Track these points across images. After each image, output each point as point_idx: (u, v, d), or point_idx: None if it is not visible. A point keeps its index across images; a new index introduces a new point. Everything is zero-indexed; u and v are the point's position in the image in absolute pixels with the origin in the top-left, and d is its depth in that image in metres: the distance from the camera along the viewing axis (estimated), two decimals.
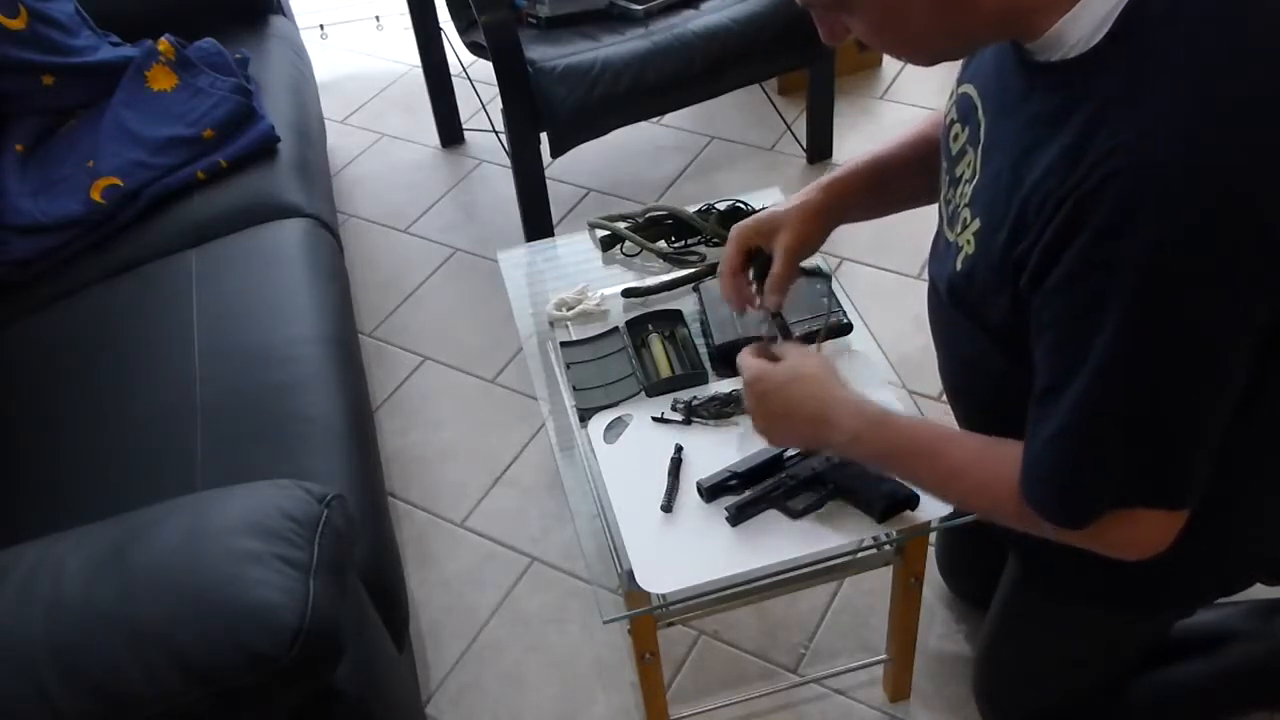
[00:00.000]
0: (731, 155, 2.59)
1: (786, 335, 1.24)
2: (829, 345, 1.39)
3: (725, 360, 1.36)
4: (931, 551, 1.62)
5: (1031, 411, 0.97)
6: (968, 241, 1.03)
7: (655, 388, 1.34)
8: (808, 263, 1.35)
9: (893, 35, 0.93)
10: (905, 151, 1.27)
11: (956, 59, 1.04)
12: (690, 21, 2.14)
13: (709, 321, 1.40)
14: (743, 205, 1.55)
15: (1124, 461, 0.93)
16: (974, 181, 1.03)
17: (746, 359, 1.19)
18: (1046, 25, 0.88)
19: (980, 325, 1.06)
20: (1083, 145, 0.85)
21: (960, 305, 1.07)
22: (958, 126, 1.08)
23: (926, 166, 1.22)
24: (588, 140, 2.14)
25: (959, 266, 1.05)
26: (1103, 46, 0.85)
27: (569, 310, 1.48)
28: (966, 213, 1.04)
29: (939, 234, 1.15)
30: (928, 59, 0.97)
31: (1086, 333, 0.87)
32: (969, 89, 1.07)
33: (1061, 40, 0.88)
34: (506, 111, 2.09)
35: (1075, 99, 0.87)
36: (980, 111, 1.03)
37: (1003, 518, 1.06)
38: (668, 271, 1.52)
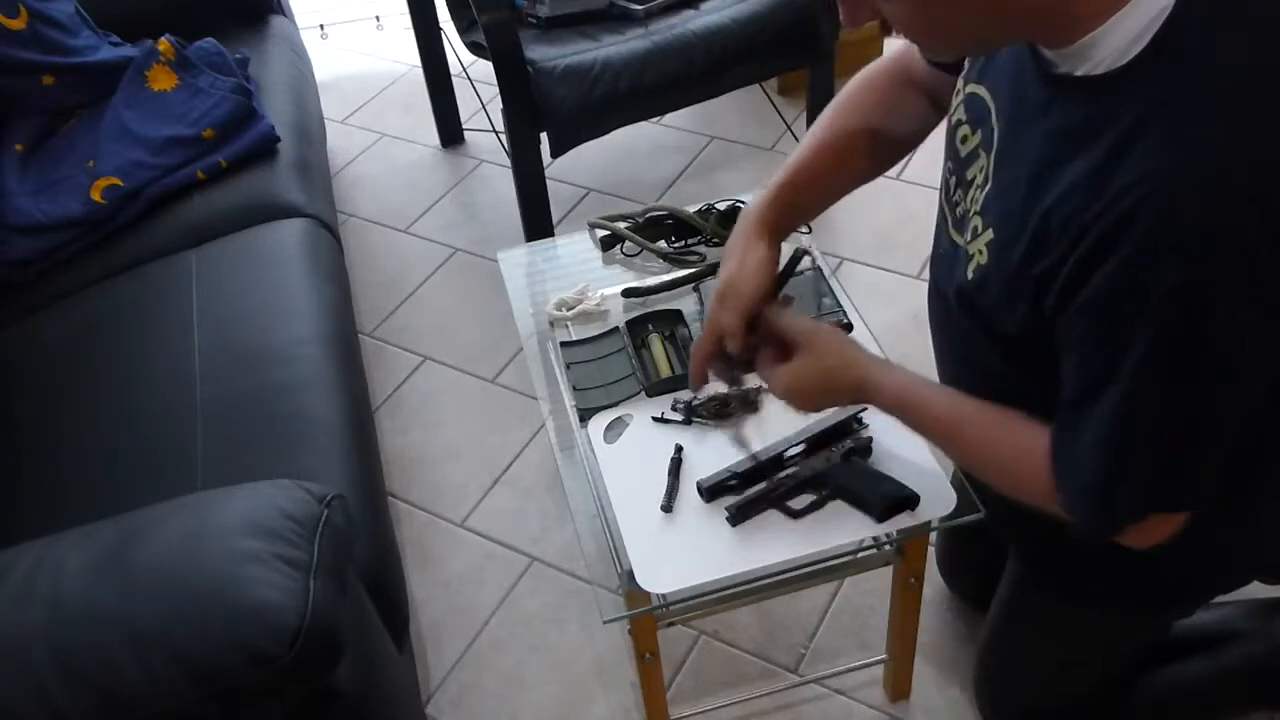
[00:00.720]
0: (731, 155, 2.59)
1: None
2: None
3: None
4: (931, 551, 1.62)
5: (1060, 421, 0.96)
6: (979, 251, 1.02)
7: (655, 388, 1.34)
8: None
9: (927, 23, 0.90)
10: (832, 146, 1.25)
11: (981, 55, 1.03)
12: (690, 21, 2.14)
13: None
14: (743, 205, 1.55)
15: (1152, 474, 0.93)
16: (986, 189, 1.02)
17: (792, 319, 1.16)
18: (1081, 34, 0.85)
19: (986, 331, 1.05)
20: (1111, 167, 0.83)
21: (969, 312, 1.06)
22: (966, 128, 1.07)
23: (859, 150, 1.22)
24: (588, 140, 2.14)
25: (970, 275, 1.04)
26: (1134, 65, 0.84)
27: (569, 310, 1.48)
28: (978, 221, 1.03)
29: (942, 234, 1.14)
30: (953, 52, 0.94)
31: (1116, 352, 0.87)
32: (979, 90, 1.05)
33: (1089, 53, 0.86)
34: (506, 111, 2.09)
35: (1102, 117, 0.85)
36: (994, 116, 1.02)
37: (1029, 495, 1.06)
38: (668, 271, 1.52)
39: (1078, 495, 0.97)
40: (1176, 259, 0.81)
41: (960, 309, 1.08)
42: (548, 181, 2.23)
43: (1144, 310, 0.84)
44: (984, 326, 1.05)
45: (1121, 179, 0.82)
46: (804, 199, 1.25)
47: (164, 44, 1.99)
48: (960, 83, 1.10)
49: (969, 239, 1.04)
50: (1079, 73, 0.88)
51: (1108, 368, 0.88)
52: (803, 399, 1.16)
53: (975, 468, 1.11)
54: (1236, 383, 0.88)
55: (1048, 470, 0.99)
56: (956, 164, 1.10)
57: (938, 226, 1.17)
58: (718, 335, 1.18)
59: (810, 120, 2.48)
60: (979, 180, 1.04)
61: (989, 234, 1.00)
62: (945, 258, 1.13)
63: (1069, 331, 0.92)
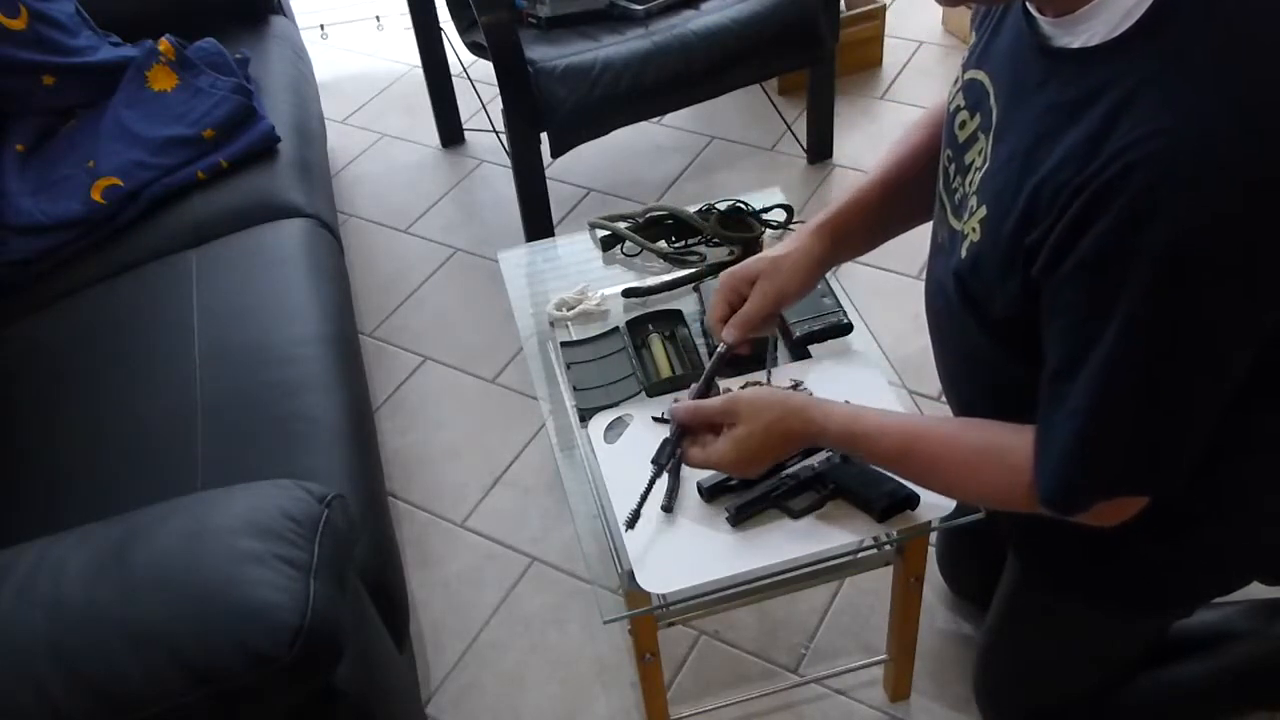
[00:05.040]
0: (731, 155, 2.59)
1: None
2: (828, 345, 1.39)
3: (726, 361, 1.36)
4: (931, 551, 1.62)
5: (1044, 389, 0.96)
6: (973, 229, 1.02)
7: (655, 388, 1.34)
8: None
9: None
10: (903, 171, 1.26)
11: (988, 3, 1.03)
12: (690, 21, 2.14)
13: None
14: (743, 205, 1.55)
15: (1124, 447, 0.93)
16: (984, 169, 1.02)
17: (701, 401, 1.18)
18: (1083, 1, 0.86)
19: (980, 321, 1.05)
20: (1104, 134, 0.84)
21: (965, 296, 1.06)
22: (965, 113, 1.07)
23: (918, 188, 1.21)
24: (588, 140, 2.14)
25: (964, 254, 1.04)
26: (1129, 35, 0.84)
27: (569, 310, 1.48)
28: (974, 200, 1.03)
29: (940, 226, 1.15)
30: None
31: (1099, 320, 0.87)
32: (979, 75, 1.05)
33: (1087, 24, 0.87)
34: (507, 111, 2.09)
35: (1096, 88, 0.86)
36: (992, 98, 1.02)
37: (994, 494, 1.06)
38: (668, 271, 1.52)
39: (1049, 465, 0.96)
40: (1166, 222, 0.81)
41: (956, 294, 1.07)
42: (548, 181, 2.23)
43: (1130, 273, 0.83)
44: (978, 314, 1.05)
45: (1115, 143, 0.83)
46: (859, 228, 1.25)
47: (164, 44, 1.99)
48: (960, 70, 1.10)
49: (965, 219, 1.04)
50: (1075, 45, 0.89)
51: (1091, 334, 0.88)
52: (756, 464, 1.15)
53: (937, 475, 1.10)
54: (1216, 361, 0.88)
55: (1020, 464, 0.99)
56: (955, 150, 1.10)
57: (935, 219, 1.17)
58: (729, 302, 1.23)
59: (810, 120, 2.48)
60: (977, 163, 1.04)
61: (983, 211, 1.00)
62: (942, 247, 1.13)
63: (1055, 298, 0.92)
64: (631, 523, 1.18)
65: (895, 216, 1.28)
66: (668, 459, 1.18)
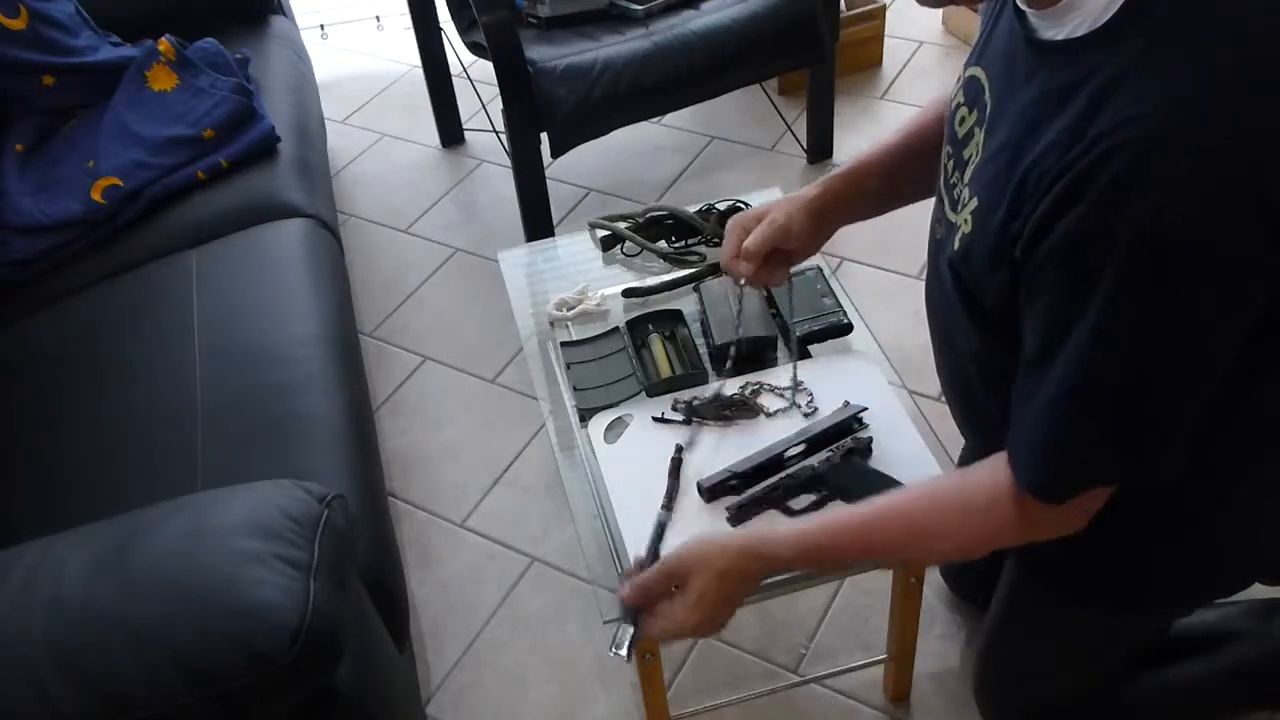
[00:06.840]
0: (731, 155, 2.59)
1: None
2: (828, 345, 1.39)
3: (726, 360, 1.36)
4: None
5: (1021, 377, 0.96)
6: (965, 220, 1.02)
7: (655, 388, 1.34)
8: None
9: None
10: (907, 142, 1.27)
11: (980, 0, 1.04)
12: (690, 21, 2.14)
13: (709, 321, 1.40)
14: (743, 205, 1.55)
15: (1107, 439, 0.92)
16: (977, 161, 1.03)
17: (644, 578, 1.09)
18: None
19: (976, 315, 1.05)
20: (1088, 120, 0.84)
21: (960, 288, 1.06)
22: (964, 110, 1.08)
23: (928, 157, 1.22)
24: (588, 140, 2.14)
25: (957, 245, 1.04)
26: (1112, 25, 0.85)
27: (569, 310, 1.48)
28: (966, 192, 1.03)
29: (937, 222, 1.15)
30: None
31: (1078, 302, 0.87)
32: (977, 72, 1.06)
33: (1070, 16, 0.87)
34: (507, 111, 2.09)
35: (1081, 77, 0.86)
36: (988, 93, 1.03)
37: (988, 536, 1.05)
38: (668, 271, 1.52)
39: (1029, 455, 0.96)
40: (1145, 207, 0.80)
41: (952, 287, 1.08)
42: (548, 181, 2.23)
43: (1109, 256, 0.83)
44: (973, 307, 1.05)
45: (1098, 128, 0.83)
46: (864, 183, 1.27)
47: (164, 44, 1.99)
48: (961, 69, 1.11)
49: (959, 212, 1.05)
50: (1062, 36, 0.89)
51: (1069, 318, 0.88)
52: (720, 618, 1.11)
53: (910, 553, 1.09)
54: (1197, 348, 0.88)
55: (988, 502, 0.99)
56: (954, 146, 1.10)
57: (934, 216, 1.17)
58: (742, 240, 1.23)
59: (810, 120, 2.48)
60: (973, 157, 1.04)
61: (974, 202, 1.01)
62: (939, 243, 1.13)
63: (1034, 281, 0.91)
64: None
65: (902, 184, 1.28)
66: (628, 648, 1.10)
